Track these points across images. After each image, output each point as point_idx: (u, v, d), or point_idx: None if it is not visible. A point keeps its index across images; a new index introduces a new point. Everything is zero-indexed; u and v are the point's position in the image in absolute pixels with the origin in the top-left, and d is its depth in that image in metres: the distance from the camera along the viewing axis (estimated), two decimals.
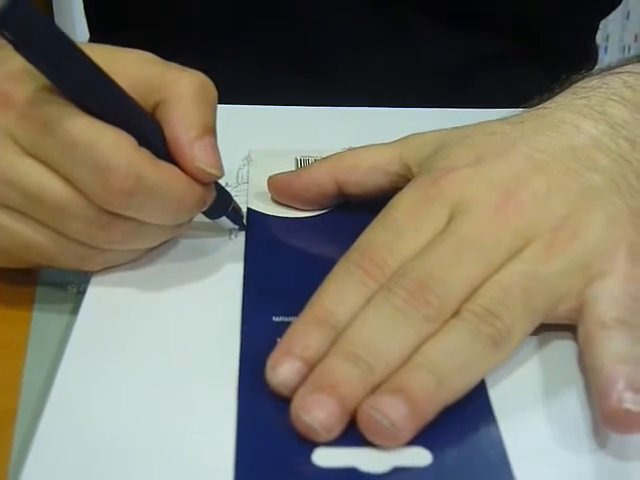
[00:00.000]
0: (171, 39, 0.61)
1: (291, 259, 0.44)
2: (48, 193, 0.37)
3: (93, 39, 0.74)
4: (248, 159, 0.52)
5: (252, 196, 0.48)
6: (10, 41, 0.34)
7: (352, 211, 0.46)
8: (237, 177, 0.50)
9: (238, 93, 0.52)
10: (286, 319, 0.38)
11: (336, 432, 0.33)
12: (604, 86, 0.44)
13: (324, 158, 0.47)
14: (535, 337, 0.38)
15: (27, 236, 0.39)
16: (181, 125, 0.38)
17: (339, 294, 0.36)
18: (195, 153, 0.38)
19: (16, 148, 0.37)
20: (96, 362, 0.37)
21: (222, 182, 0.43)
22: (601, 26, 0.78)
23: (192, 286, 0.41)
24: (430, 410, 0.33)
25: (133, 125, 0.38)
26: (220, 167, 0.39)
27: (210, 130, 0.39)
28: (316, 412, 0.33)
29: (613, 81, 0.44)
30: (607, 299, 0.36)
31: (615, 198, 0.39)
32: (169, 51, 0.41)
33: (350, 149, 0.48)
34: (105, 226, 0.38)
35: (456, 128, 0.43)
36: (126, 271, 0.42)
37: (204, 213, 0.43)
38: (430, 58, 0.66)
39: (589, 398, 0.35)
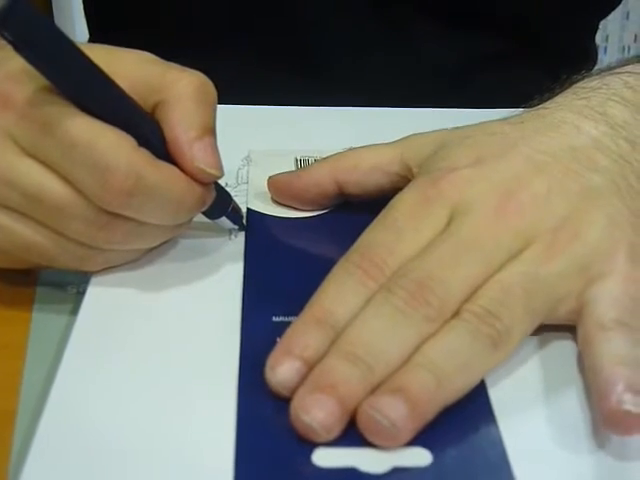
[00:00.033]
0: (171, 39, 0.61)
1: (291, 259, 0.44)
2: (48, 193, 0.37)
3: (93, 39, 0.74)
4: (248, 159, 0.52)
5: (252, 196, 0.48)
6: (10, 41, 0.34)
7: (352, 211, 0.46)
8: (237, 177, 0.50)
9: (238, 93, 0.52)
10: (286, 319, 0.38)
11: (335, 432, 0.33)
12: (604, 87, 0.43)
13: (324, 158, 0.47)
14: (535, 337, 0.38)
15: (27, 236, 0.39)
16: (181, 125, 0.38)
17: (339, 294, 0.36)
18: (195, 153, 0.38)
19: (16, 148, 0.37)
20: (96, 362, 0.37)
21: (222, 182, 0.43)
22: (601, 26, 0.78)
23: (192, 286, 0.41)
24: (430, 410, 0.33)
25: (133, 125, 0.38)
26: (220, 167, 0.39)
27: (210, 130, 0.39)
28: (315, 412, 0.32)
29: (613, 82, 0.44)
30: (607, 300, 0.36)
31: (615, 199, 0.39)
32: (169, 51, 0.41)
33: (350, 149, 0.48)
34: (105, 226, 0.38)
35: (456, 128, 0.43)
36: (126, 271, 0.42)
37: (204, 213, 0.43)
38: (430, 58, 0.66)
39: (589, 398, 0.35)
